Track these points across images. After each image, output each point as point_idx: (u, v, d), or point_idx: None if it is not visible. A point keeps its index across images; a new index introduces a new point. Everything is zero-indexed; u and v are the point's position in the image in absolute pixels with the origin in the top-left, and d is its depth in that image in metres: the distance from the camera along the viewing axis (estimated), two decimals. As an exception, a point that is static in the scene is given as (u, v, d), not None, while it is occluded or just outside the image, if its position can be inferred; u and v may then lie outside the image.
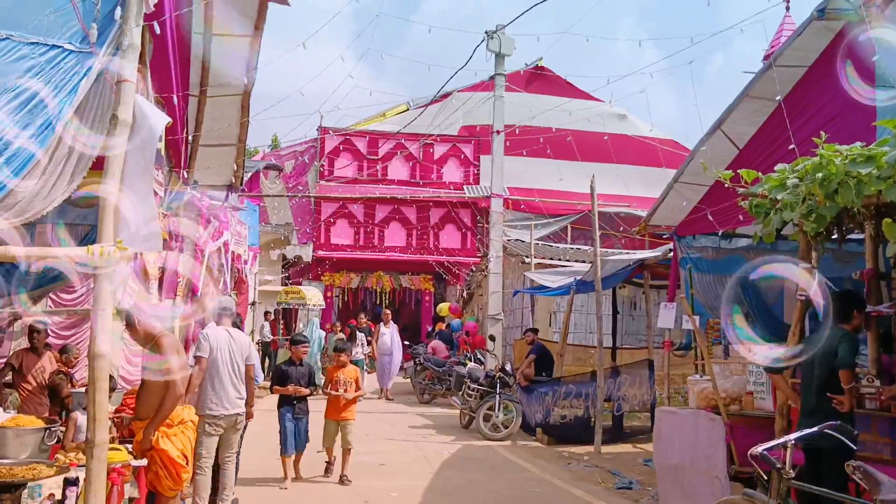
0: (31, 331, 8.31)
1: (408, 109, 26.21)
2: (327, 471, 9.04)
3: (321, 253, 24.64)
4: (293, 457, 8.74)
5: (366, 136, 25.65)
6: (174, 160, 7.50)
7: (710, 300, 9.65)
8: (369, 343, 18.15)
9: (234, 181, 9.43)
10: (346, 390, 9.00)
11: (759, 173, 6.05)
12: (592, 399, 11.70)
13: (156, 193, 5.01)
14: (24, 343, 8.95)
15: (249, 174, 17.68)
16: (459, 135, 26.00)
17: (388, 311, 19.07)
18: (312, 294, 21.37)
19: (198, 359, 6.90)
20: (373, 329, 18.70)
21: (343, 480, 8.73)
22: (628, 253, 14.52)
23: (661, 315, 9.63)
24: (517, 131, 19.30)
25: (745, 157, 7.46)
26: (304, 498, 8.15)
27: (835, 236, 6.16)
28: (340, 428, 8.98)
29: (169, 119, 3.99)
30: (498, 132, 16.89)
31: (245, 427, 7.35)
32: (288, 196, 24.64)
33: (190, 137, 7.43)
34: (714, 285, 9.74)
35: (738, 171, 6.16)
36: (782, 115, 6.67)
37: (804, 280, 5.94)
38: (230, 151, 8.63)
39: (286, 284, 23.93)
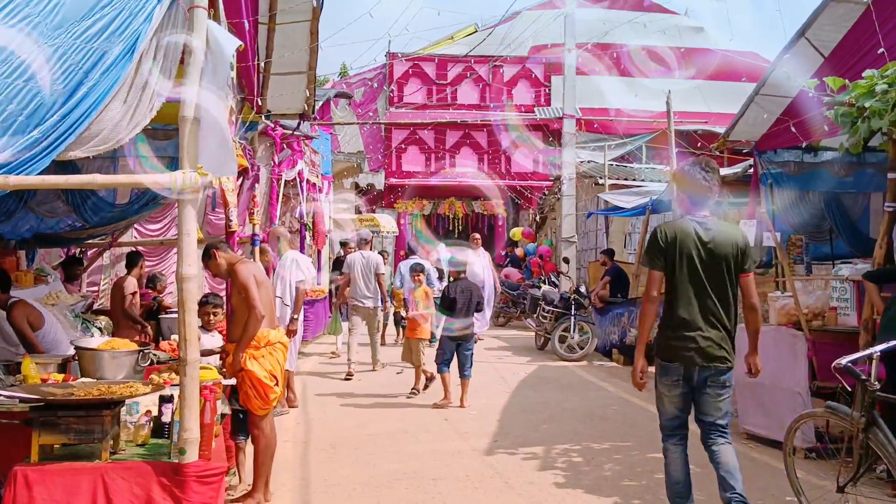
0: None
1: (476, 31, 25.71)
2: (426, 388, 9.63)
3: (393, 180, 24.75)
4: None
5: (434, 60, 25.34)
6: (246, 89, 7.57)
7: (792, 216, 9.37)
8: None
9: (306, 109, 9.47)
10: (415, 309, 9.63)
11: (846, 80, 5.77)
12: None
13: (230, 120, 5.07)
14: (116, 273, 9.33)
15: (320, 103, 17.71)
16: (529, 55, 25.43)
17: (478, 235, 16.02)
18: (386, 221, 21.61)
19: (344, 274, 11.24)
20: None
21: (412, 391, 9.52)
22: (706, 171, 14.11)
23: (740, 233, 9.39)
24: (589, 47, 18.69)
25: (831, 65, 7.07)
26: (384, 414, 8.42)
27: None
28: (413, 346, 9.57)
29: (240, 42, 4.01)
30: (569, 50, 16.47)
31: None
32: (358, 123, 24.67)
33: (261, 65, 7.46)
34: (796, 201, 9.44)
35: (824, 79, 5.89)
36: (871, 18, 6.29)
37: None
38: (301, 79, 8.64)
39: (360, 212, 24.23)
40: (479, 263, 14.72)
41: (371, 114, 25.40)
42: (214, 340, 6.08)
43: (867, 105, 5.46)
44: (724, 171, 11.83)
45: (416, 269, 10.16)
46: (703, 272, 4.54)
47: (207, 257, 5.45)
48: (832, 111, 5.92)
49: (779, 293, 7.64)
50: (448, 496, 5.67)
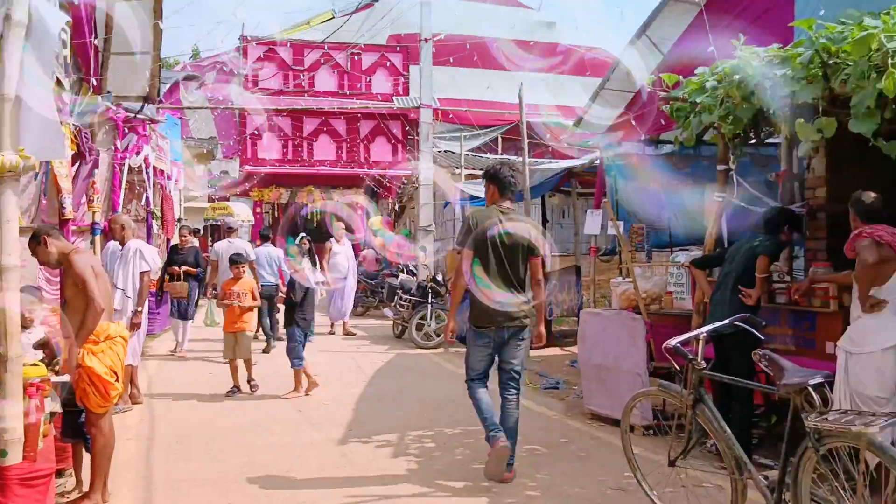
0: None
1: (333, 17, 25.32)
2: (251, 385, 9.04)
3: (248, 168, 24.10)
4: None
5: (289, 45, 24.77)
6: (83, 68, 7.15)
7: (634, 206, 9.85)
8: None
9: (149, 91, 9.06)
10: (240, 301, 8.97)
11: (680, 77, 6.10)
12: (521, 305, 11.93)
13: (60, 99, 4.77)
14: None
15: (168, 85, 16.96)
16: (388, 43, 25.38)
17: (342, 224, 15.07)
18: (241, 210, 21.05)
19: (212, 262, 11.95)
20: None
21: (250, 385, 8.96)
22: (557, 162, 14.62)
23: (587, 221, 9.79)
24: (442, 37, 18.87)
25: (670, 62, 7.49)
26: (235, 408, 8.20)
27: (753, 141, 6.31)
28: (236, 339, 8.90)
29: (67, 18, 3.77)
30: (426, 40, 16.55)
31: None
32: (210, 108, 23.82)
33: (99, 43, 7.07)
34: (638, 191, 9.93)
35: (660, 75, 6.20)
36: (703, 18, 6.69)
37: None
38: (144, 60, 8.27)
39: (213, 200, 23.46)
40: (343, 254, 14.50)
41: (224, 98, 24.58)
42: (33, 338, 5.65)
43: (699, 101, 5.81)
44: (572, 163, 12.30)
45: (235, 261, 9.34)
46: (504, 252, 5.47)
47: (36, 243, 5.08)
48: (668, 106, 6.26)
49: (620, 279, 8.00)
50: (300, 488, 5.59)
